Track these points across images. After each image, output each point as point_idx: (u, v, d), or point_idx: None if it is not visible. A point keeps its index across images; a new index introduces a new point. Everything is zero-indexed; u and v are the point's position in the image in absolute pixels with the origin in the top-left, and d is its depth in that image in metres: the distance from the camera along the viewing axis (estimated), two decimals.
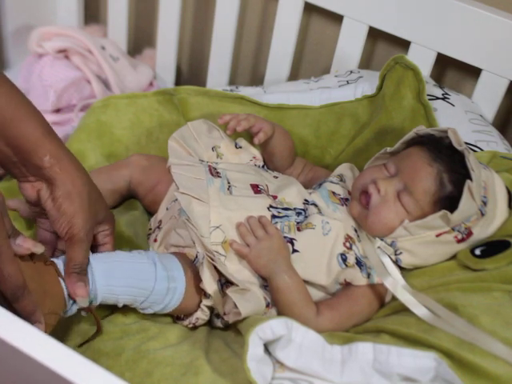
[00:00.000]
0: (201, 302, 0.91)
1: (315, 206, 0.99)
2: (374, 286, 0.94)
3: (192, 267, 0.91)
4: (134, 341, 0.87)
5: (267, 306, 0.92)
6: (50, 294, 0.79)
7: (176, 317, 0.94)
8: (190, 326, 0.93)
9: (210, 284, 0.89)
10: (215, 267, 0.90)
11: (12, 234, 0.74)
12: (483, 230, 0.95)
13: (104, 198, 0.92)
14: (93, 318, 0.86)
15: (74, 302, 0.81)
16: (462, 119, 1.15)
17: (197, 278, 0.90)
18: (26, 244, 0.75)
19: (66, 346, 0.62)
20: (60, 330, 0.87)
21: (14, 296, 0.72)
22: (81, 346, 0.87)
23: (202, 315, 0.92)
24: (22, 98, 0.85)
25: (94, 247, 0.90)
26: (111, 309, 0.92)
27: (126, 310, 0.92)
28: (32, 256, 0.78)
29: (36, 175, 0.84)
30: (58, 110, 1.34)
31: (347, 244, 0.95)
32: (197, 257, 0.92)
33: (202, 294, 0.90)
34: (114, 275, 0.84)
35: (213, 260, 0.89)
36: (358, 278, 0.94)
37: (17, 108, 0.83)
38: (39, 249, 0.76)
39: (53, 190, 0.83)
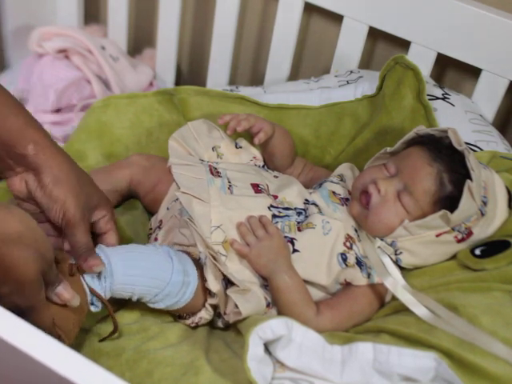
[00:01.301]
0: (206, 301, 0.91)
1: (315, 205, 0.99)
2: (374, 285, 0.94)
3: (198, 266, 0.91)
4: (135, 341, 0.87)
5: (268, 305, 0.92)
6: (75, 310, 0.79)
7: (178, 316, 0.94)
8: (193, 325, 0.93)
9: (213, 284, 0.89)
10: (218, 267, 0.90)
11: (56, 283, 0.75)
12: (483, 230, 0.95)
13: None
14: (105, 314, 0.86)
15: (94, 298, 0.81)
16: (462, 119, 1.15)
17: (202, 277, 0.90)
18: (65, 295, 0.75)
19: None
20: None
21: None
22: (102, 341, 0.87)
23: (205, 315, 0.92)
24: (1, 89, 0.84)
25: (99, 237, 0.88)
26: (112, 309, 0.92)
27: (127, 309, 0.92)
28: (57, 261, 0.78)
29: (22, 165, 0.83)
30: (58, 110, 1.34)
31: (347, 244, 0.95)
32: (200, 257, 0.92)
33: (207, 293, 0.90)
34: (131, 265, 0.83)
35: (215, 259, 0.89)
36: (358, 277, 0.94)
37: None
38: (76, 301, 0.76)
39: (40, 178, 0.82)
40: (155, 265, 0.85)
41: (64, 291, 0.75)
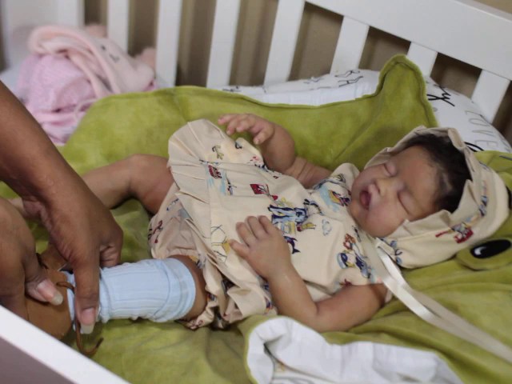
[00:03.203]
0: (206, 304, 0.91)
1: (315, 205, 0.99)
2: (374, 285, 0.94)
3: (197, 270, 0.91)
4: (135, 340, 0.87)
5: (268, 306, 0.92)
6: (53, 317, 0.78)
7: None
8: (193, 327, 0.93)
9: (213, 286, 0.89)
10: (217, 268, 0.90)
11: (37, 277, 0.75)
12: (483, 230, 0.95)
13: (104, 198, 0.91)
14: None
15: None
16: (462, 119, 1.15)
17: (202, 281, 0.90)
18: (46, 291, 0.76)
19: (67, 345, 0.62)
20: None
21: None
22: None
23: (206, 318, 0.92)
24: (23, 112, 0.80)
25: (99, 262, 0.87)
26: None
27: None
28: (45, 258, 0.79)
29: (34, 195, 0.81)
30: (58, 110, 1.34)
31: (347, 244, 0.95)
32: (199, 260, 0.92)
33: (208, 296, 0.90)
34: (127, 288, 0.83)
35: (214, 261, 0.89)
36: (358, 277, 0.94)
37: (16, 125, 0.79)
38: (58, 299, 0.77)
39: (50, 213, 0.80)
40: (151, 284, 0.85)
41: (46, 288, 0.75)
